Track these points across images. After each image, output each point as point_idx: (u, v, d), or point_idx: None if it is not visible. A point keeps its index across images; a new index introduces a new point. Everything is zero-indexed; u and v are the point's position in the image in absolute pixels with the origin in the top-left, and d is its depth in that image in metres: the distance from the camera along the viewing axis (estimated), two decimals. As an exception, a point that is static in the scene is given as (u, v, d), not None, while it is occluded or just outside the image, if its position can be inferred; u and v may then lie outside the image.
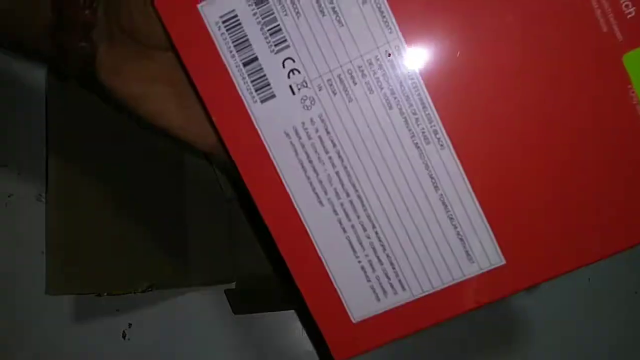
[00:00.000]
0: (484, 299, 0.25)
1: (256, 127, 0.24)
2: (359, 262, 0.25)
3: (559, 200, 0.24)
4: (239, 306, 0.44)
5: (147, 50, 0.28)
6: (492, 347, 0.46)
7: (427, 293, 0.25)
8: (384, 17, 0.23)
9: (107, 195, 0.40)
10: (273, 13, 0.23)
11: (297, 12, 0.23)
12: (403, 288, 0.25)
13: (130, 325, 0.42)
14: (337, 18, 0.23)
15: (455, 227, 0.24)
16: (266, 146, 0.25)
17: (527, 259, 0.24)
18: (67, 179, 0.38)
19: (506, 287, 0.25)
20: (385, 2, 0.23)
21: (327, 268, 0.25)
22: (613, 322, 0.45)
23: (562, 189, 0.24)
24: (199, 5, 0.24)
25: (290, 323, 0.45)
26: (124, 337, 0.42)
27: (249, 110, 0.24)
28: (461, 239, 0.25)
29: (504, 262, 0.25)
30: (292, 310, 0.45)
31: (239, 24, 0.24)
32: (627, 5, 0.22)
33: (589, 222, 0.24)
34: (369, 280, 0.25)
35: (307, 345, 0.45)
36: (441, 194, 0.24)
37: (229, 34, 0.24)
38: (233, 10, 0.24)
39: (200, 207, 0.46)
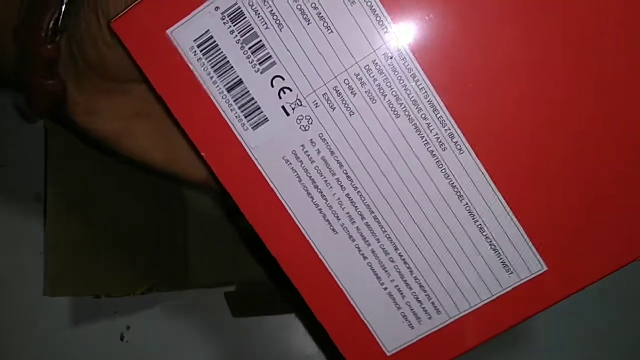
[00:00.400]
0: (529, 310, 0.22)
1: (251, 156, 0.22)
2: (385, 288, 0.23)
3: (595, 196, 0.21)
4: (238, 309, 0.43)
5: (119, 84, 0.26)
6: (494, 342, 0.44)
7: (464, 313, 0.23)
8: (377, 16, 0.20)
9: (106, 197, 0.39)
10: (252, 28, 0.21)
11: (279, 24, 0.21)
12: (438, 311, 0.23)
13: (128, 327, 0.41)
14: (325, 24, 0.21)
15: (487, 238, 0.22)
16: (265, 176, 0.22)
17: (571, 263, 0.22)
18: (66, 180, 0.37)
19: (553, 294, 0.22)
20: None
21: (351, 300, 0.23)
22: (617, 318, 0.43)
23: (596, 183, 0.21)
24: (168, 31, 0.21)
25: (290, 327, 0.45)
26: (122, 339, 0.41)
27: (240, 140, 0.22)
28: (495, 249, 0.22)
29: (545, 268, 0.22)
30: (293, 314, 0.44)
31: (216, 45, 0.21)
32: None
33: (629, 215, 0.21)
34: (398, 308, 0.23)
35: (308, 349, 0.44)
36: (466, 203, 0.22)
37: (206, 58, 0.21)
38: (207, 31, 0.21)
39: (200, 209, 0.45)
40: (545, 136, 0.21)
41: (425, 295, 0.23)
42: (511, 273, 0.22)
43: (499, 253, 0.22)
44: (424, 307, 0.23)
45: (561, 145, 0.21)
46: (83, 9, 0.24)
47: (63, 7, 0.25)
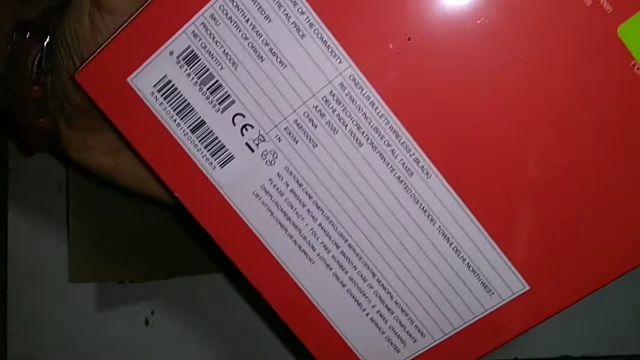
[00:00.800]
0: (514, 330, 0.22)
1: (223, 195, 0.22)
2: (368, 314, 0.23)
3: (574, 211, 0.20)
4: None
5: (106, 121, 0.26)
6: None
7: (449, 335, 0.22)
8: (329, 47, 0.20)
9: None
10: (208, 69, 0.21)
11: (233, 63, 0.21)
12: (422, 334, 0.22)
13: (152, 312, 0.42)
14: (278, 59, 0.20)
15: (464, 260, 0.21)
16: (238, 212, 0.22)
17: (555, 280, 0.21)
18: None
19: (538, 312, 0.22)
20: (326, 30, 0.20)
21: (336, 328, 0.23)
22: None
23: (573, 200, 0.20)
24: (128, 79, 0.21)
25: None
26: (146, 324, 0.42)
27: (210, 178, 0.22)
28: (473, 271, 0.21)
29: (528, 287, 0.21)
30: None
31: (175, 89, 0.21)
32: (609, -33, 0.18)
33: (612, 230, 0.20)
34: (382, 332, 0.23)
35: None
36: (439, 227, 0.21)
37: (167, 102, 0.21)
38: (165, 76, 0.21)
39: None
40: (514, 154, 0.20)
41: (408, 319, 0.22)
42: (492, 294, 0.22)
43: (478, 275, 0.21)
44: (407, 331, 0.22)
45: (538, 154, 0.20)
46: (60, 55, 0.24)
47: (44, 49, 0.26)
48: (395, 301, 0.22)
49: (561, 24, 0.19)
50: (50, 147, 0.29)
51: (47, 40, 0.26)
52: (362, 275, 0.22)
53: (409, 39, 0.19)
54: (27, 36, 0.26)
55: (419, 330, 0.22)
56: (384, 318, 0.22)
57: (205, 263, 0.41)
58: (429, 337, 0.22)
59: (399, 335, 0.23)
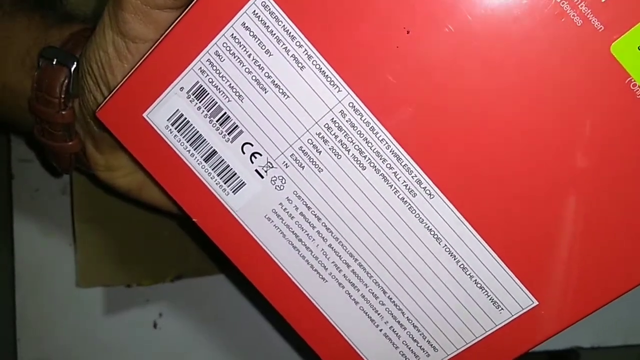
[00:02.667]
0: (526, 345, 0.22)
1: (237, 219, 0.23)
2: (381, 330, 0.23)
3: (580, 226, 0.20)
4: None
5: None
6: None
7: (461, 350, 0.23)
8: (328, 77, 0.21)
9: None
10: (216, 103, 0.22)
11: (239, 95, 0.22)
12: (435, 349, 0.23)
13: (160, 314, 0.42)
14: (281, 91, 0.21)
15: (472, 277, 0.22)
16: (253, 235, 0.23)
17: (563, 295, 0.21)
18: (90, 174, 0.38)
19: (548, 327, 0.22)
20: (325, 61, 0.20)
21: (350, 343, 0.24)
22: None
23: (581, 210, 0.20)
24: (144, 114, 0.23)
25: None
26: (155, 326, 0.42)
27: (224, 204, 0.23)
28: (481, 288, 0.22)
29: (536, 302, 0.21)
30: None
31: (187, 122, 0.22)
32: (600, -15, 0.18)
33: (620, 244, 0.20)
34: (396, 347, 0.23)
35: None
36: (445, 245, 0.22)
37: (181, 134, 0.23)
38: (177, 111, 0.22)
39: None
40: (514, 172, 0.20)
41: (420, 334, 0.23)
42: (502, 309, 0.22)
43: (486, 291, 0.22)
44: (420, 346, 0.23)
45: (533, 179, 0.20)
46: (87, 81, 0.26)
47: (71, 74, 0.28)
48: (407, 317, 0.23)
49: (554, 46, 0.19)
50: (79, 167, 0.31)
51: (74, 65, 0.28)
52: (373, 293, 0.23)
53: (401, 43, 0.20)
54: (54, 62, 0.28)
55: (432, 345, 0.23)
56: (397, 334, 0.23)
57: (212, 265, 0.41)
58: (441, 351, 0.23)
59: (412, 350, 0.23)
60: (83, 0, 0.37)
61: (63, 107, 0.28)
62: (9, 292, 0.41)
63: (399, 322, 0.23)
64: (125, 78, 0.23)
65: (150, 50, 0.22)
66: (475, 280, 0.22)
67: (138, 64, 0.22)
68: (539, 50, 0.19)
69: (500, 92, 0.20)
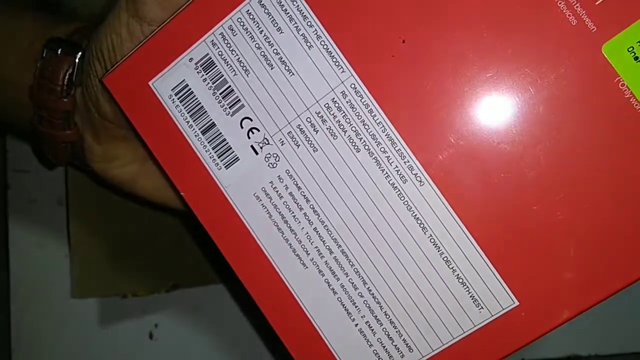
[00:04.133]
0: (504, 349, 0.21)
1: (225, 195, 0.23)
2: (356, 325, 0.23)
3: (569, 223, 0.21)
4: None
5: (131, 130, 0.28)
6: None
7: (437, 352, 0.22)
8: (333, 57, 0.22)
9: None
10: (222, 75, 0.23)
11: (246, 70, 0.22)
12: (410, 349, 0.22)
13: (156, 325, 0.41)
14: (287, 68, 0.22)
15: (454, 271, 0.22)
16: (238, 213, 0.23)
17: (544, 298, 0.21)
18: (85, 183, 0.38)
19: (527, 332, 0.21)
20: (332, 42, 0.22)
21: (323, 337, 0.23)
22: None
23: (568, 208, 0.21)
24: (150, 82, 0.23)
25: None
26: (150, 337, 0.41)
27: (215, 179, 0.23)
28: (463, 283, 0.22)
29: (517, 303, 0.21)
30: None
31: (192, 92, 0.23)
32: (594, -7, 0.20)
33: (606, 247, 0.20)
34: (370, 345, 0.22)
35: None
36: (430, 235, 0.22)
37: (183, 105, 0.23)
38: (183, 81, 0.23)
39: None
40: (506, 169, 0.21)
41: (396, 331, 0.22)
42: (482, 308, 0.21)
43: (468, 287, 0.21)
44: (395, 345, 0.22)
45: (524, 173, 0.21)
46: (94, 66, 0.27)
47: (76, 64, 0.28)
48: (385, 312, 0.22)
49: (549, 43, 0.20)
50: (72, 159, 0.31)
51: (79, 55, 0.28)
52: (353, 283, 0.22)
53: (403, 41, 0.21)
54: (59, 52, 0.29)
55: (407, 344, 0.22)
56: (373, 329, 0.22)
57: (209, 274, 0.41)
58: (416, 352, 0.22)
59: (386, 349, 0.22)
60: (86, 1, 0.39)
61: (65, 95, 0.29)
62: (4, 303, 0.41)
63: (375, 316, 0.22)
64: (137, 47, 0.23)
65: (165, 23, 0.23)
66: (458, 274, 0.21)
67: (152, 35, 0.23)
68: (534, 43, 0.20)
69: (495, 82, 0.21)
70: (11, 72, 0.31)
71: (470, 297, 0.21)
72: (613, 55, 0.20)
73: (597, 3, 0.20)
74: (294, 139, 0.22)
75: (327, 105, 0.22)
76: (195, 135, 0.23)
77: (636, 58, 0.19)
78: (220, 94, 0.23)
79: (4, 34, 0.31)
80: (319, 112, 0.22)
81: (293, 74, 0.22)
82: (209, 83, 0.23)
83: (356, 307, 0.22)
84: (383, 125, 0.22)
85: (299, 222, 0.23)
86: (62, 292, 0.40)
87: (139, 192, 0.30)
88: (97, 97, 0.27)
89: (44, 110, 0.29)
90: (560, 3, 0.20)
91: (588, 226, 0.21)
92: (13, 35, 0.31)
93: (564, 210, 0.21)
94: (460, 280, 0.22)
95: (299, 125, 0.22)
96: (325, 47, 0.22)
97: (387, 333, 0.22)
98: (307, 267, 0.23)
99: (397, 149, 0.22)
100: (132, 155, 0.30)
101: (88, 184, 0.39)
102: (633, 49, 0.19)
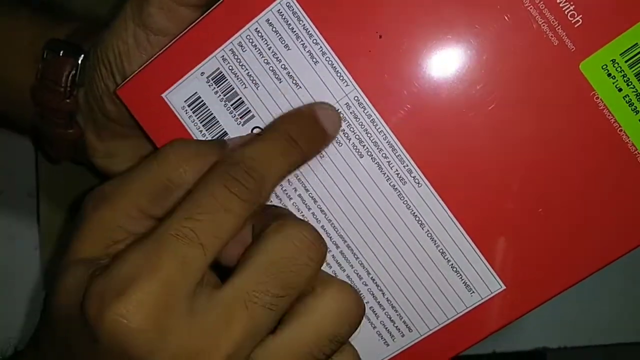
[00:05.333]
0: (492, 326, 0.25)
1: (238, 197, 0.25)
2: (362, 310, 0.25)
3: (547, 217, 0.24)
4: None
5: (136, 128, 0.29)
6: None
7: (434, 330, 0.25)
8: (338, 72, 0.24)
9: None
10: (233, 88, 0.24)
11: (255, 83, 0.24)
12: (409, 329, 0.25)
13: None
14: (293, 81, 0.24)
15: (449, 261, 0.24)
16: (251, 214, 0.25)
17: (527, 281, 0.24)
18: (57, 174, 0.38)
19: (512, 311, 0.24)
20: (337, 58, 0.24)
21: (332, 321, 0.26)
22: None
23: (546, 204, 0.24)
24: (163, 94, 0.25)
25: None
26: None
27: (228, 183, 0.25)
28: (457, 272, 0.24)
29: (503, 287, 0.24)
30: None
31: (204, 104, 0.25)
32: (572, 15, 0.22)
33: (581, 233, 0.24)
34: (374, 327, 0.25)
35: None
36: (428, 230, 0.24)
37: (195, 115, 0.25)
38: (196, 93, 0.25)
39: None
40: (496, 167, 0.24)
41: (397, 314, 0.25)
42: (473, 292, 0.25)
43: (461, 275, 0.24)
44: (396, 326, 0.25)
45: (512, 167, 0.24)
46: (99, 70, 0.28)
47: (79, 65, 0.29)
48: (387, 298, 0.25)
49: (532, 62, 0.23)
50: (74, 155, 0.33)
51: (82, 57, 0.29)
52: (358, 274, 0.25)
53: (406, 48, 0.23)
54: (61, 54, 0.30)
55: (407, 325, 0.25)
56: (376, 314, 0.25)
57: None
58: (415, 332, 0.25)
59: (388, 330, 0.25)
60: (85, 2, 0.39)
61: (68, 96, 0.30)
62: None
63: (379, 302, 0.25)
64: (150, 61, 0.25)
65: (178, 37, 0.24)
66: (452, 264, 0.24)
67: (163, 49, 0.25)
68: (520, 62, 0.23)
69: (485, 97, 0.23)
70: (12, 72, 0.32)
71: (463, 283, 0.24)
72: (589, 72, 0.22)
73: (576, 26, 0.22)
74: (302, 147, 0.24)
75: (332, 116, 0.24)
76: (209, 144, 0.25)
77: (609, 74, 0.22)
78: (232, 105, 0.25)
79: (4, 34, 0.31)
80: (325, 122, 0.24)
81: (300, 87, 0.24)
82: (220, 95, 0.25)
83: (361, 294, 0.25)
84: (384, 134, 0.24)
85: (307, 220, 0.25)
86: (33, 284, 0.40)
87: None
88: (102, 98, 0.28)
89: (46, 110, 0.30)
90: (543, 25, 0.22)
91: (563, 215, 0.24)
92: (13, 35, 0.32)
93: (545, 202, 0.24)
94: (455, 269, 0.24)
95: (307, 134, 0.24)
96: (330, 62, 0.24)
97: (389, 316, 0.25)
98: (316, 261, 0.25)
99: (397, 154, 0.24)
100: (132, 152, 0.31)
101: (60, 175, 0.38)
102: (606, 66, 0.22)
